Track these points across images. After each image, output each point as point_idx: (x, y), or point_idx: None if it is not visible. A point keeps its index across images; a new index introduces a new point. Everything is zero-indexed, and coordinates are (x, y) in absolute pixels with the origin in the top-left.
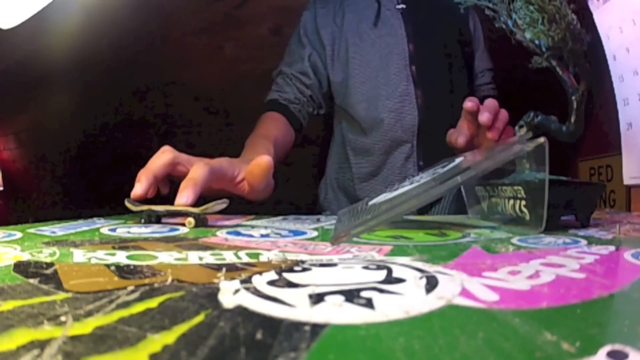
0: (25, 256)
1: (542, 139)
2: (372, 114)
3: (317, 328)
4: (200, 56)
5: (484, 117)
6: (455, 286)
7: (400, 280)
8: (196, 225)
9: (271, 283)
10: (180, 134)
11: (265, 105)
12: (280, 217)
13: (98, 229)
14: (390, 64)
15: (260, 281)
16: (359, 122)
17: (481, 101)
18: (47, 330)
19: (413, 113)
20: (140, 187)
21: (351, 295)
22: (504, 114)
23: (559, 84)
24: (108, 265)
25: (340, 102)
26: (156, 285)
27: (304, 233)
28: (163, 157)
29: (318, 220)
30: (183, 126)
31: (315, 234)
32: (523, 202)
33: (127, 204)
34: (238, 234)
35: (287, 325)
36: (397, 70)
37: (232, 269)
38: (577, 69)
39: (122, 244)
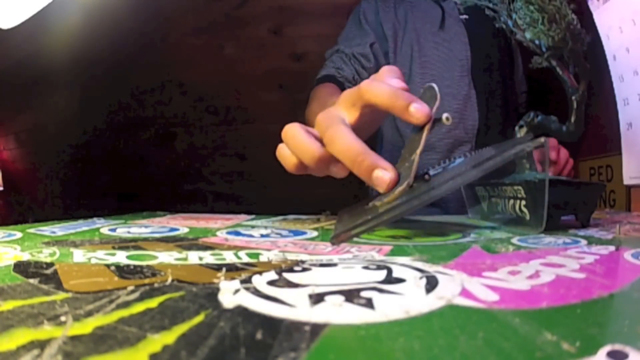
0: (25, 256)
1: (542, 139)
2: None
3: (317, 328)
4: (200, 56)
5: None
6: (455, 286)
7: (400, 280)
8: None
9: (271, 283)
10: (180, 133)
11: (318, 80)
12: (280, 217)
13: (98, 229)
14: (453, 68)
15: (260, 281)
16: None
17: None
18: (47, 330)
19: (474, 115)
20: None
21: (351, 295)
22: (564, 152)
23: (559, 84)
24: (108, 265)
25: None
26: (156, 285)
27: (304, 233)
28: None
29: (318, 220)
30: (183, 126)
31: (315, 234)
32: (523, 202)
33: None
34: (238, 234)
35: (287, 325)
36: (459, 74)
37: (232, 269)
38: (577, 69)
39: (122, 244)
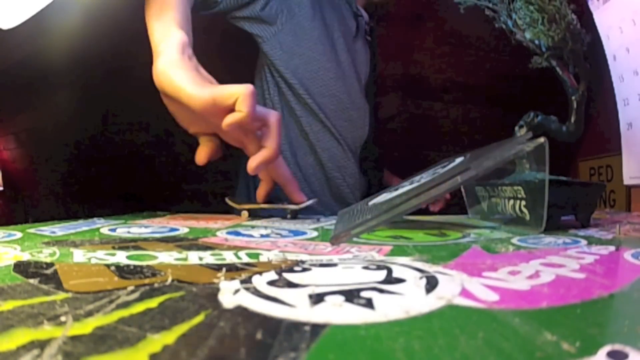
0: (25, 256)
1: (542, 139)
2: (338, 112)
3: (317, 328)
4: (200, 56)
5: None
6: (455, 286)
7: (400, 280)
8: (291, 218)
9: (271, 283)
10: (180, 133)
11: None
12: (280, 217)
13: (98, 229)
14: (357, 78)
15: (260, 281)
16: (320, 113)
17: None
18: (47, 330)
19: (364, 128)
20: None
21: (351, 295)
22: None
23: (559, 84)
24: (108, 265)
25: (301, 74)
26: (156, 285)
27: (304, 233)
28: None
29: (318, 220)
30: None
31: (315, 234)
32: (523, 202)
33: (229, 201)
34: (238, 234)
35: (287, 325)
36: (359, 86)
37: (232, 269)
38: (577, 69)
39: (122, 244)
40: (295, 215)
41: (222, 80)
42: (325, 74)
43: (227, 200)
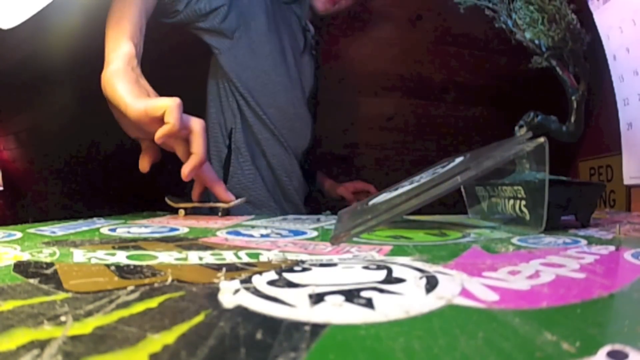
0: (25, 256)
1: (542, 139)
2: (284, 122)
3: (317, 328)
4: (200, 56)
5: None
6: (455, 286)
7: (400, 280)
8: (223, 215)
9: (271, 283)
10: None
11: None
12: (280, 217)
13: (98, 229)
14: (301, 91)
15: (260, 281)
16: (269, 122)
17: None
18: (47, 330)
19: (307, 137)
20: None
21: (351, 295)
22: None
23: (559, 84)
24: (108, 265)
25: (246, 82)
26: (156, 285)
27: (304, 233)
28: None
29: (318, 220)
30: None
31: (315, 234)
32: (523, 202)
33: (168, 200)
34: (238, 234)
35: (287, 325)
36: (303, 99)
37: (232, 269)
38: (577, 69)
39: (122, 244)
40: (226, 212)
41: (175, 87)
42: (274, 87)
43: (166, 199)
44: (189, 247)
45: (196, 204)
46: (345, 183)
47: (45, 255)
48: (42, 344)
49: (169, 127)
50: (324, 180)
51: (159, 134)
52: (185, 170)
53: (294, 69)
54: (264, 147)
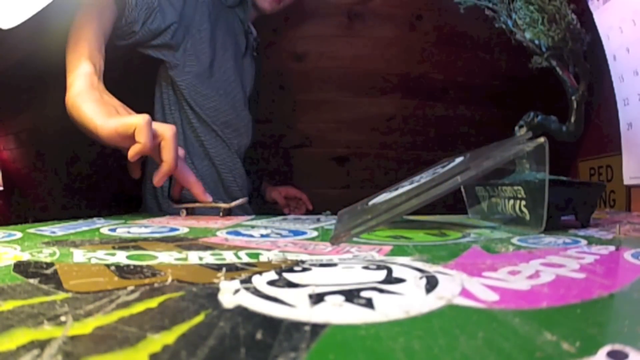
0: (25, 256)
1: (542, 139)
2: (226, 123)
3: (317, 328)
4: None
5: None
6: (455, 286)
7: (400, 280)
8: (224, 215)
9: (271, 283)
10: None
11: None
12: (280, 217)
13: (98, 229)
14: (242, 93)
15: (260, 281)
16: (211, 124)
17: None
18: (47, 330)
19: (248, 135)
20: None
21: (351, 295)
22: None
23: (559, 84)
24: (108, 265)
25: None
26: (156, 285)
27: (304, 233)
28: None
29: (318, 220)
30: None
31: (315, 234)
32: (523, 202)
33: (169, 201)
34: (238, 234)
35: (287, 325)
36: (244, 100)
37: (232, 269)
38: (577, 69)
39: (122, 244)
40: (227, 213)
41: (124, 97)
42: (217, 90)
43: (168, 199)
44: (189, 247)
45: (198, 204)
46: (278, 187)
47: (45, 255)
48: (42, 344)
49: (139, 147)
50: (265, 184)
51: (132, 152)
52: (155, 179)
53: (235, 71)
54: (207, 147)
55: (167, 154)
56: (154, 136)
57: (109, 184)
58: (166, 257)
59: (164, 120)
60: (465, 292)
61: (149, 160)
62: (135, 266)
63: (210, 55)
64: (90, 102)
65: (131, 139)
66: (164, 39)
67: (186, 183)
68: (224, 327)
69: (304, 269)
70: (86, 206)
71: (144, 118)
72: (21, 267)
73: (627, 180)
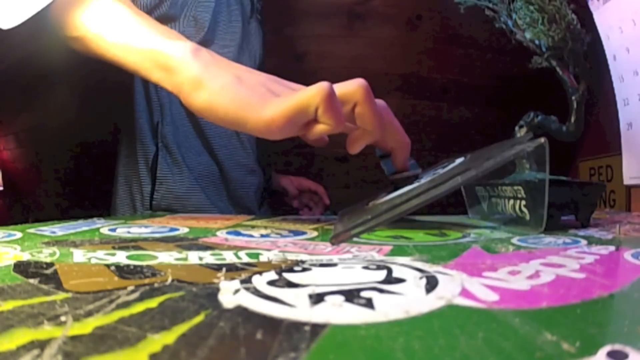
0: (25, 256)
1: (542, 139)
2: None
3: (317, 328)
4: None
5: None
6: (455, 286)
7: (400, 280)
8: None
9: (271, 283)
10: None
11: None
12: (280, 217)
13: (98, 229)
14: (251, 60)
15: (260, 281)
16: None
17: None
18: (47, 330)
19: None
20: None
21: (351, 295)
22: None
23: (559, 84)
24: (108, 265)
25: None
26: (156, 285)
27: (304, 233)
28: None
29: (318, 220)
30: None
31: (315, 234)
32: (523, 202)
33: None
34: (238, 234)
35: (287, 325)
36: (254, 68)
37: (232, 269)
38: (577, 69)
39: (122, 244)
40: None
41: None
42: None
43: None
44: (189, 247)
45: (403, 175)
46: (291, 176)
47: (45, 255)
48: (42, 344)
49: (327, 129)
50: (273, 172)
51: (315, 137)
52: (354, 147)
53: (240, 39)
54: (209, 138)
55: (369, 123)
56: (343, 104)
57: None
58: (166, 257)
59: (155, 105)
60: (465, 292)
61: (121, 154)
62: (135, 266)
63: (211, 19)
64: (234, 98)
65: (309, 122)
66: (161, 10)
67: (398, 144)
68: (224, 327)
69: (304, 269)
70: (86, 206)
71: (323, 89)
72: (21, 267)
73: (627, 180)
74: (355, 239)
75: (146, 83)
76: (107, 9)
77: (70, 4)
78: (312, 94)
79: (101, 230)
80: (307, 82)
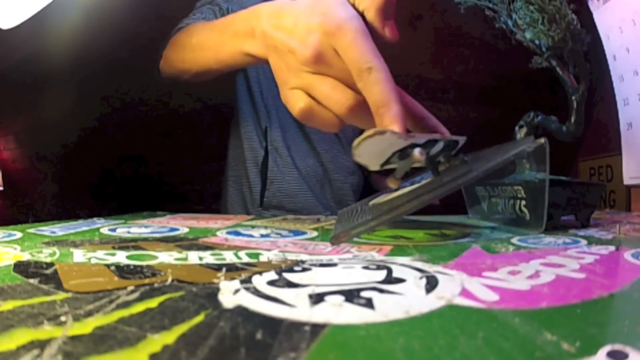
0: (25, 256)
1: (542, 139)
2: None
3: (317, 328)
4: None
5: None
6: (455, 286)
7: (400, 280)
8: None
9: (271, 283)
10: (181, 133)
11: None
12: (280, 217)
13: (98, 229)
14: None
15: (260, 281)
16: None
17: None
18: (47, 330)
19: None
20: None
21: (351, 295)
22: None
23: (559, 84)
24: (108, 265)
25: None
26: (156, 285)
27: (304, 233)
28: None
29: (318, 220)
30: (184, 125)
31: (315, 234)
32: (523, 202)
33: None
34: (238, 234)
35: (287, 325)
36: None
37: (232, 269)
38: (577, 69)
39: (122, 244)
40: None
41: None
42: None
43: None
44: (189, 247)
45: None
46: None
47: (45, 255)
48: (42, 344)
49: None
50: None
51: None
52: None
53: None
54: (314, 142)
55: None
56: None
57: (109, 184)
58: (166, 257)
59: (254, 116)
60: (465, 292)
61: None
62: (135, 266)
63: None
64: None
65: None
66: None
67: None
68: (224, 327)
69: (304, 269)
70: (86, 206)
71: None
72: (21, 267)
73: (627, 180)
74: (355, 239)
75: (251, 93)
76: (188, 31)
77: (167, 48)
78: (381, 94)
79: (101, 230)
80: None
